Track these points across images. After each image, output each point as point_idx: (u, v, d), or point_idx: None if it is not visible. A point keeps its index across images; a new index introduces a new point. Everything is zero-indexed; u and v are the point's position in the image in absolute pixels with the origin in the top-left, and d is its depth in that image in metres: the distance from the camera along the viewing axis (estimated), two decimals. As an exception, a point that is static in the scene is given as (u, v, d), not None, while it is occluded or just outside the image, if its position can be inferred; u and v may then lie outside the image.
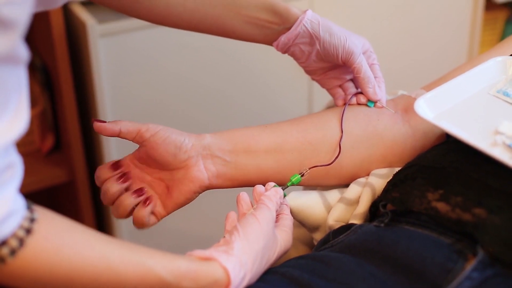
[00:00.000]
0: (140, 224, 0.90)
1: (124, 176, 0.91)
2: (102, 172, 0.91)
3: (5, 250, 0.65)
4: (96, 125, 0.90)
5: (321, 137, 0.96)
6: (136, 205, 0.91)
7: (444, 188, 0.84)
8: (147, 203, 0.90)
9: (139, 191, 0.91)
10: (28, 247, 0.66)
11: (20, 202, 0.67)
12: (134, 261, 0.72)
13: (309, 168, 0.94)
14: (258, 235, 0.80)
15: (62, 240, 0.69)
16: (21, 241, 0.66)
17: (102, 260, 0.70)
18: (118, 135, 0.90)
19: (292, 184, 0.93)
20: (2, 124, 0.63)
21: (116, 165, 0.92)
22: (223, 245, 0.79)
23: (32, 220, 0.67)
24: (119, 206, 0.90)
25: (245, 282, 0.78)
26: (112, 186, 0.90)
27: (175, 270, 0.73)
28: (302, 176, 0.93)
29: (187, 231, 1.70)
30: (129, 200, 0.90)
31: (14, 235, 0.66)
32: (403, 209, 0.85)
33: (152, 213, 0.92)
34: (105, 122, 0.90)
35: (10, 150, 0.65)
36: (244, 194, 0.89)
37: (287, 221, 0.87)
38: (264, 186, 0.89)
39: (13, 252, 0.66)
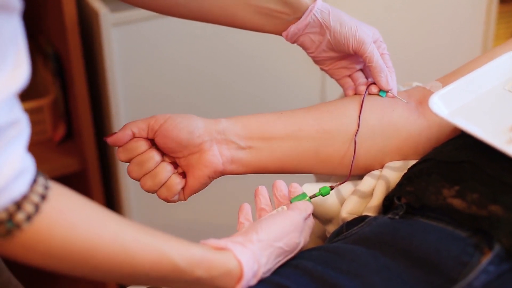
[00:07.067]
0: (170, 192, 0.90)
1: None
2: (140, 144, 0.90)
3: (21, 216, 0.64)
4: (110, 140, 0.89)
5: (337, 126, 0.95)
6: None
7: (460, 184, 0.83)
8: (182, 176, 0.91)
9: (174, 164, 0.91)
10: (44, 212, 0.65)
11: (29, 161, 0.65)
12: (149, 245, 0.71)
13: (339, 184, 0.93)
14: (281, 236, 0.79)
15: (78, 211, 0.68)
16: (37, 207, 0.64)
17: (117, 240, 0.69)
18: (134, 136, 0.90)
19: (321, 195, 0.92)
20: (2, 77, 0.61)
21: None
22: (239, 236, 0.78)
23: (46, 187, 0.66)
24: (156, 174, 0.89)
25: (258, 277, 0.78)
26: (155, 156, 0.90)
27: (189, 257, 0.73)
28: (332, 189, 0.92)
29: (196, 221, 1.70)
30: (168, 169, 0.90)
31: (29, 200, 0.64)
32: (419, 205, 0.85)
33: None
34: (115, 133, 0.90)
35: (13, 105, 0.63)
36: (263, 189, 0.88)
37: (308, 220, 0.86)
38: (282, 182, 0.89)
39: (29, 217, 0.64)
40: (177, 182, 0.90)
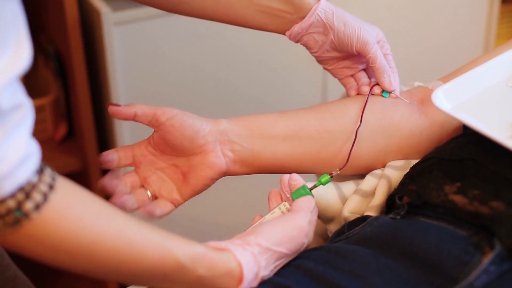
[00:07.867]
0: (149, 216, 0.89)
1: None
2: (114, 183, 0.88)
3: (29, 205, 0.63)
4: (111, 109, 0.88)
5: (338, 126, 0.95)
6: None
7: (461, 181, 0.83)
8: (182, 176, 0.90)
9: (173, 167, 0.90)
10: (51, 203, 0.64)
11: (33, 146, 0.65)
12: (154, 241, 0.71)
13: (339, 169, 0.93)
14: (282, 241, 0.79)
15: (84, 204, 0.68)
16: (45, 196, 0.64)
17: (123, 235, 0.69)
18: (134, 118, 0.88)
19: (321, 184, 0.91)
20: (4, 60, 0.61)
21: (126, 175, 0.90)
22: (238, 239, 0.78)
23: (53, 178, 0.66)
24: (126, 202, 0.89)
25: (258, 279, 0.77)
26: (130, 198, 0.89)
27: (192, 254, 0.73)
28: (331, 176, 0.92)
29: (196, 221, 1.70)
30: (131, 201, 0.89)
31: (37, 189, 0.64)
32: (420, 202, 0.85)
33: (169, 200, 0.90)
34: (120, 105, 0.88)
35: (16, 89, 0.63)
36: (275, 192, 0.88)
37: (313, 216, 0.86)
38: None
39: (37, 206, 0.63)
40: (150, 209, 0.89)
